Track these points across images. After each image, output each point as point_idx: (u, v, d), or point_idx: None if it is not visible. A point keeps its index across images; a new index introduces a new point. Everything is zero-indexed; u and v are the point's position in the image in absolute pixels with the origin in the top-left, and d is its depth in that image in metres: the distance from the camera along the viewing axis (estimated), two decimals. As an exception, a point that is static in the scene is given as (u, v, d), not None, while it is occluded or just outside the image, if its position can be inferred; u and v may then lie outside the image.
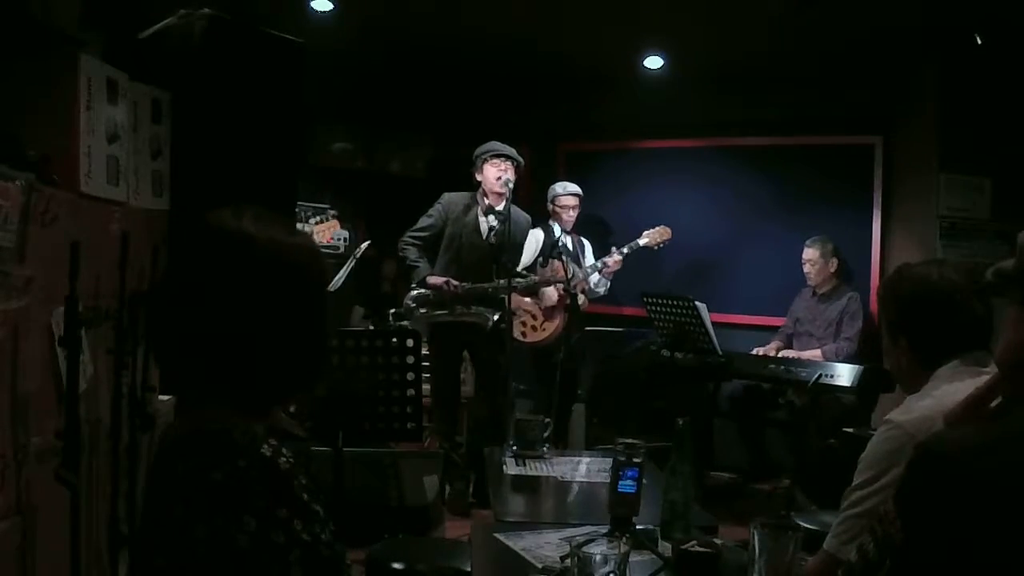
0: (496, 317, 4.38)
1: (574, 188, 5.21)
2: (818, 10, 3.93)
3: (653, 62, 5.10)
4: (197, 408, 1.16)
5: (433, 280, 4.45)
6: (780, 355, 4.89)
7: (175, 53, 2.55)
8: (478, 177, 4.52)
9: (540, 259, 5.00)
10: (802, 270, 5.03)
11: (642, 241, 5.11)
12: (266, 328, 1.14)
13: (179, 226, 2.51)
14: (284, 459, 1.09)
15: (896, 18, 4.13)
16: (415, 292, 4.52)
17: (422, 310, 4.48)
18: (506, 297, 4.37)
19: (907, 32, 4.33)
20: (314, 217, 5.38)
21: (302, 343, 1.18)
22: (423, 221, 4.59)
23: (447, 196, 4.61)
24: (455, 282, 4.42)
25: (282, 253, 1.16)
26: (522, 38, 4.82)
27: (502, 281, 4.35)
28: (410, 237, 4.58)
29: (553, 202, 5.22)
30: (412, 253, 4.55)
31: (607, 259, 5.09)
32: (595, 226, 5.58)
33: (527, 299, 5.05)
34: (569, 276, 4.72)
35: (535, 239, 5.10)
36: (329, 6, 4.36)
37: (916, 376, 1.70)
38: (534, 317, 5.10)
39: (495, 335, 4.43)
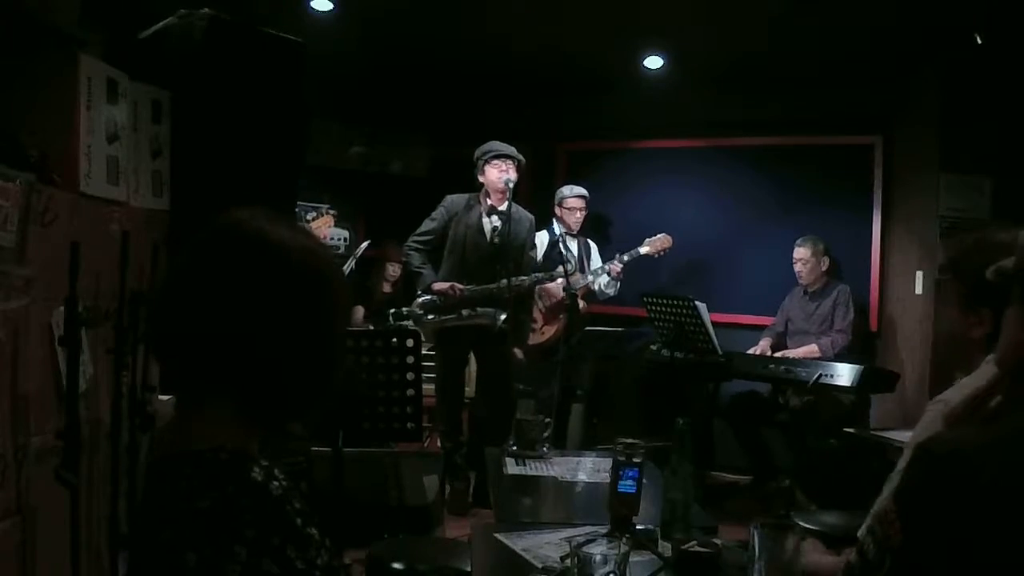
0: (503, 317, 4.39)
1: (580, 191, 5.21)
2: (818, 10, 3.94)
3: (653, 62, 5.09)
4: (195, 414, 1.11)
5: (438, 286, 4.46)
6: (779, 354, 4.89)
7: (175, 53, 2.55)
8: (480, 179, 4.53)
9: (541, 261, 5.01)
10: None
11: (643, 250, 5.12)
12: (276, 333, 1.09)
13: (179, 226, 2.52)
14: (276, 484, 1.05)
15: (896, 18, 4.12)
16: (421, 299, 4.52)
17: (429, 316, 4.48)
18: (511, 297, 4.38)
19: (907, 32, 4.33)
20: (310, 213, 5.38)
21: (312, 353, 1.13)
22: (426, 225, 4.58)
23: (450, 198, 4.61)
24: (459, 286, 4.43)
25: (295, 255, 1.12)
26: (522, 38, 4.82)
27: (505, 281, 4.36)
28: (414, 242, 4.58)
29: (560, 204, 5.22)
30: (416, 259, 4.55)
31: (609, 265, 5.09)
32: (594, 226, 5.58)
33: (529, 301, 5.05)
34: (568, 275, 4.72)
35: (541, 241, 5.10)
36: (329, 6, 4.36)
37: (981, 353, 1.64)
38: (535, 320, 5.10)
39: (500, 337, 4.43)
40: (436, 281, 4.49)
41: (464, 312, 4.43)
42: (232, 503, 1.01)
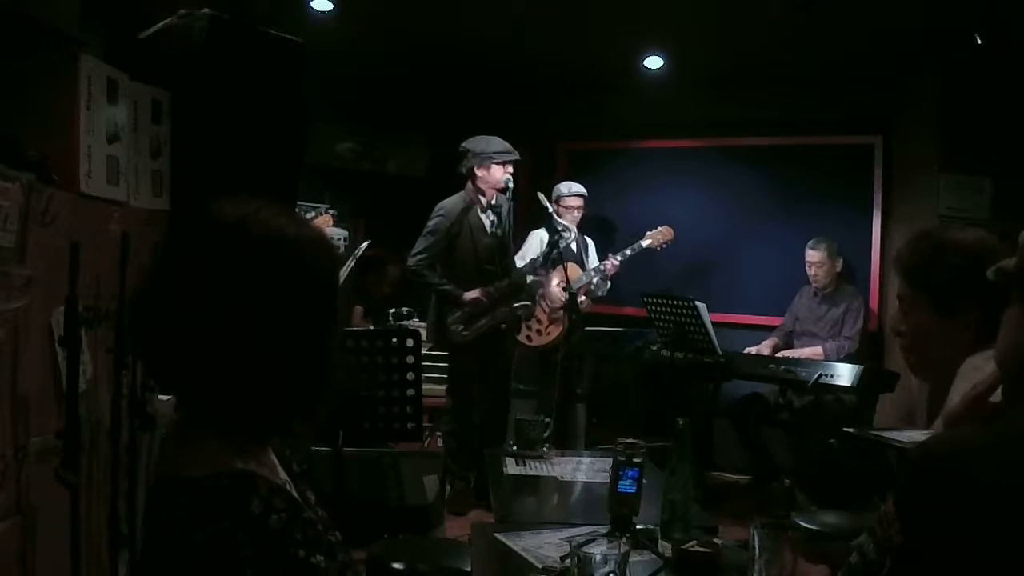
0: (530, 303, 4.59)
1: (579, 188, 5.21)
2: (818, 10, 3.93)
3: (653, 62, 5.09)
4: (195, 427, 1.07)
5: (470, 295, 4.49)
6: (781, 354, 4.89)
7: (175, 53, 2.55)
8: (479, 173, 4.50)
9: (540, 260, 5.01)
10: (803, 269, 5.03)
11: (645, 242, 5.12)
12: (271, 332, 1.04)
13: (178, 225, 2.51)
14: (276, 517, 0.99)
15: (896, 18, 4.12)
16: (455, 315, 4.51)
17: (465, 331, 4.51)
18: (528, 281, 4.62)
19: (907, 32, 4.33)
20: (310, 213, 5.38)
21: (309, 353, 1.08)
22: (426, 240, 4.51)
23: (445, 206, 4.57)
24: (487, 290, 4.51)
25: (290, 246, 1.07)
26: (522, 38, 4.82)
27: (519, 270, 4.56)
28: (421, 260, 4.50)
29: (558, 202, 5.21)
30: (433, 276, 4.53)
31: (605, 264, 5.09)
32: (594, 226, 5.59)
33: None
34: (568, 275, 4.73)
35: (539, 239, 5.09)
36: (329, 6, 4.36)
37: (968, 352, 1.63)
38: (539, 321, 5.10)
39: (502, 336, 4.53)
40: (463, 292, 4.49)
41: (499, 311, 4.55)
42: (229, 538, 0.96)
